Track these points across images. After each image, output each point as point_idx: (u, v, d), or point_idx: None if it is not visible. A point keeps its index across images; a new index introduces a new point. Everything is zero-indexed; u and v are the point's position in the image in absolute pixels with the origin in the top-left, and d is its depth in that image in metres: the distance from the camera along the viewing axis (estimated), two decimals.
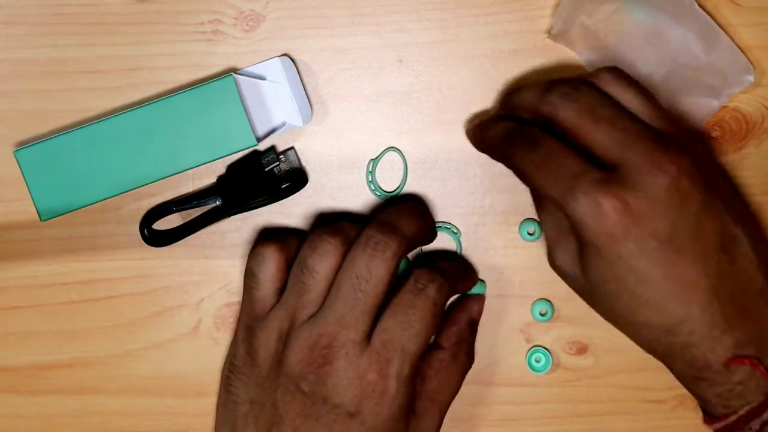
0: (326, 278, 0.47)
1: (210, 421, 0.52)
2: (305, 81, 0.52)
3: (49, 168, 0.50)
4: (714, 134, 0.52)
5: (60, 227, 0.52)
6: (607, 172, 0.43)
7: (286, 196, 0.52)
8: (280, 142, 0.52)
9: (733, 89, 0.50)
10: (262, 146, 0.52)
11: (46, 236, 0.53)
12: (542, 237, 0.52)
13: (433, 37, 0.52)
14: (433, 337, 0.49)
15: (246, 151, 0.51)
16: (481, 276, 0.53)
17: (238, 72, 0.51)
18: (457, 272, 0.50)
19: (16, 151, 0.50)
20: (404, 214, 0.48)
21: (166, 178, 0.50)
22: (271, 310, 0.48)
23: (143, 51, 0.52)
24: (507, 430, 0.53)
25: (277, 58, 0.51)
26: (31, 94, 0.52)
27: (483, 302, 0.53)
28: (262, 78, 0.51)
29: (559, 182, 0.44)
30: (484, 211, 0.53)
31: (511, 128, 0.47)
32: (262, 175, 0.51)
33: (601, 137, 0.44)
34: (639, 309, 0.45)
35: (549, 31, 0.51)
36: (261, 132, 0.50)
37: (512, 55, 0.52)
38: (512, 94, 0.49)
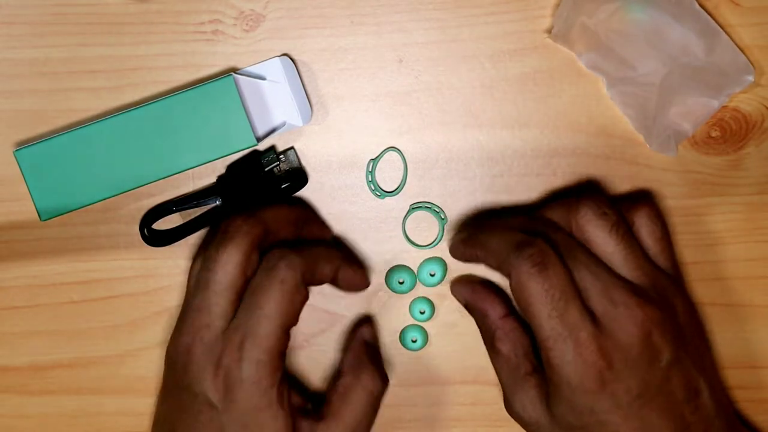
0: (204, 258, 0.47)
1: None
2: (305, 81, 0.52)
3: (49, 168, 0.50)
4: (714, 134, 0.52)
5: (60, 227, 0.52)
6: (596, 324, 0.44)
7: (286, 196, 0.52)
8: (280, 142, 0.52)
9: (733, 89, 0.50)
10: (262, 146, 0.52)
11: (46, 236, 0.53)
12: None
13: (433, 37, 0.52)
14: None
15: (246, 151, 0.51)
16: (481, 276, 0.53)
17: (238, 72, 0.51)
18: (318, 252, 0.48)
19: (16, 151, 0.50)
20: (271, 206, 0.48)
21: (166, 178, 0.50)
22: None
23: (143, 51, 0.52)
24: (507, 430, 0.53)
25: (277, 58, 0.51)
26: (31, 94, 0.52)
27: (372, 324, 0.53)
28: (262, 78, 0.51)
29: (558, 325, 0.44)
30: (484, 211, 0.53)
31: (523, 238, 0.46)
32: (262, 175, 0.51)
33: (583, 284, 0.45)
34: None
35: (549, 31, 0.51)
36: (261, 132, 0.50)
37: (512, 55, 0.52)
38: (538, 213, 0.49)
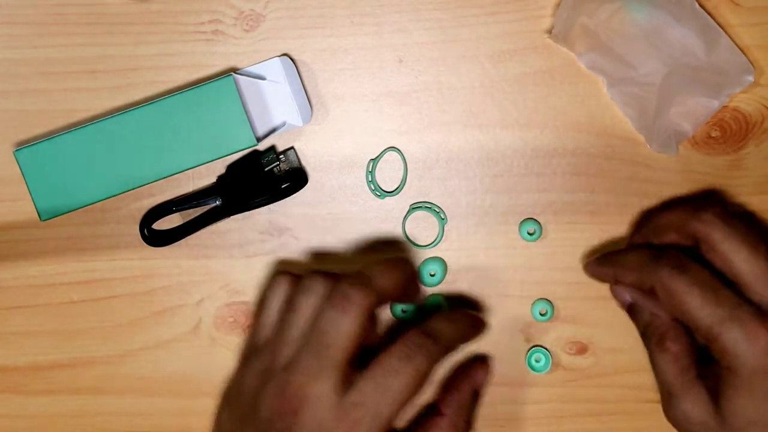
0: (307, 318, 0.45)
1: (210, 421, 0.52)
2: (305, 81, 0.52)
3: (49, 168, 0.50)
4: (714, 134, 0.52)
5: (60, 227, 0.52)
6: (759, 308, 0.44)
7: (286, 196, 0.52)
8: (280, 142, 0.52)
9: (733, 89, 0.50)
10: (262, 146, 0.52)
11: (46, 236, 0.53)
12: (541, 237, 0.52)
13: (433, 37, 0.52)
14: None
15: (246, 151, 0.51)
16: (481, 276, 0.53)
17: (238, 72, 0.51)
18: (453, 336, 0.47)
19: (16, 151, 0.50)
20: (380, 268, 0.46)
21: (166, 178, 0.50)
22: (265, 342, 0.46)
23: (143, 51, 0.52)
24: (507, 430, 0.53)
25: (277, 58, 0.51)
26: (31, 94, 0.52)
27: (489, 370, 0.51)
28: (262, 78, 0.51)
29: (715, 309, 0.44)
30: (484, 211, 0.53)
31: (655, 252, 0.47)
32: (262, 175, 0.51)
33: (755, 268, 0.44)
34: None
35: (549, 32, 0.51)
36: (261, 132, 0.50)
37: (512, 55, 0.52)
38: (654, 216, 0.50)
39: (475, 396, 0.51)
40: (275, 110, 0.51)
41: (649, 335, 0.49)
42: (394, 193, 0.53)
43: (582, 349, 0.53)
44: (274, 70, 0.51)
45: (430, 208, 0.53)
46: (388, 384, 0.43)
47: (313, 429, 0.43)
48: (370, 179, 0.53)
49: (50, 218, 0.50)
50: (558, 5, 0.51)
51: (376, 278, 0.46)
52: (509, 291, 0.53)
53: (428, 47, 0.52)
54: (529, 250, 0.53)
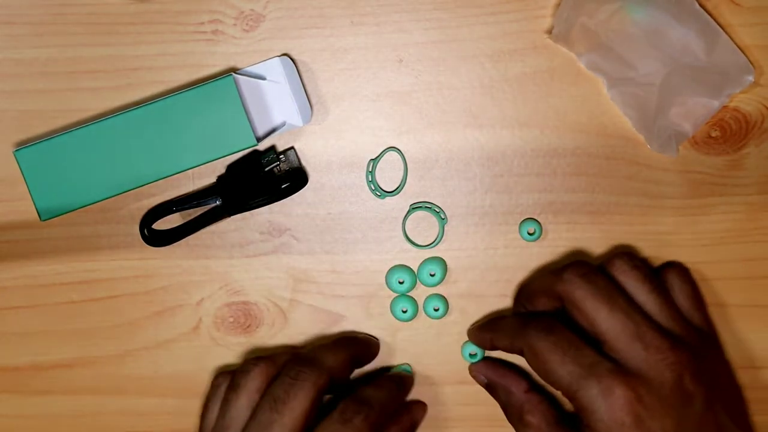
0: (249, 398, 0.47)
1: None
2: (305, 81, 0.52)
3: (49, 168, 0.50)
4: (714, 134, 0.52)
5: (60, 227, 0.52)
6: (617, 364, 0.45)
7: (286, 196, 0.52)
8: (280, 142, 0.52)
9: (733, 89, 0.50)
10: (262, 146, 0.52)
11: (46, 236, 0.53)
12: (541, 237, 0.52)
13: (433, 37, 0.52)
14: None
15: (246, 151, 0.51)
16: (481, 276, 0.53)
17: (238, 72, 0.51)
18: (385, 400, 0.49)
19: (16, 151, 0.50)
20: (328, 348, 0.49)
21: (166, 179, 0.50)
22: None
23: (143, 51, 0.52)
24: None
25: (277, 58, 0.51)
26: (31, 94, 0.52)
27: (425, 410, 0.53)
28: (262, 78, 0.51)
29: (574, 368, 0.45)
30: (484, 211, 0.53)
31: (526, 318, 0.49)
32: (262, 175, 0.51)
33: (612, 324, 0.46)
34: None
35: (550, 32, 0.51)
36: (261, 132, 0.50)
37: (512, 55, 0.52)
38: (526, 284, 0.52)
39: (413, 430, 0.53)
40: (275, 110, 0.51)
41: (509, 413, 0.51)
42: (394, 193, 0.53)
43: None
44: (274, 70, 0.51)
45: (430, 208, 0.53)
46: None
47: None
48: (370, 179, 0.53)
49: (50, 218, 0.50)
50: (558, 5, 0.51)
51: (323, 359, 0.48)
52: (509, 291, 0.53)
53: (428, 47, 0.52)
54: (529, 250, 0.53)
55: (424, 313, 0.53)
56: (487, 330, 0.51)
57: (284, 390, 0.46)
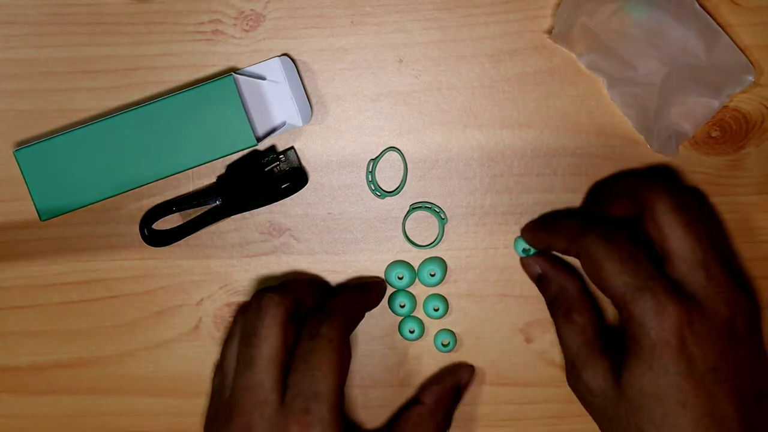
0: (236, 347, 0.47)
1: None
2: (305, 81, 0.52)
3: (49, 168, 0.50)
4: (714, 134, 0.52)
5: (60, 227, 0.52)
6: (677, 287, 0.45)
7: (286, 196, 0.52)
8: (280, 142, 0.52)
9: (733, 89, 0.50)
10: (262, 146, 0.52)
11: (46, 236, 0.53)
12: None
13: (433, 37, 0.52)
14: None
15: (246, 151, 0.51)
16: (481, 275, 0.53)
17: (238, 72, 0.51)
18: (345, 302, 0.50)
19: (16, 151, 0.50)
20: (295, 277, 0.50)
21: (166, 178, 0.50)
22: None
23: (143, 51, 0.52)
24: (507, 430, 0.53)
25: (277, 58, 0.51)
26: (31, 94, 0.52)
27: (473, 373, 0.53)
28: (262, 78, 0.51)
29: (631, 279, 0.45)
30: (484, 211, 0.53)
31: (589, 221, 0.48)
32: (262, 175, 0.51)
33: (684, 246, 0.45)
34: None
35: (550, 32, 0.51)
36: (261, 132, 0.50)
37: (512, 55, 0.52)
38: (608, 182, 0.51)
39: (457, 392, 0.52)
40: (275, 110, 0.51)
41: (556, 306, 0.50)
42: (394, 193, 0.53)
43: None
44: (274, 70, 0.51)
45: (430, 208, 0.53)
46: (311, 365, 0.45)
47: (267, 430, 0.45)
48: (370, 179, 0.53)
49: (50, 218, 0.50)
50: (558, 5, 0.51)
51: (289, 283, 0.48)
52: (509, 291, 0.53)
53: (428, 47, 0.52)
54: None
55: (423, 311, 0.53)
56: (545, 230, 0.50)
57: (252, 323, 0.46)
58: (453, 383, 0.52)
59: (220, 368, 0.49)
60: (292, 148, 0.52)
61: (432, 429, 0.50)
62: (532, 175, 0.52)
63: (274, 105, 0.51)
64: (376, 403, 0.54)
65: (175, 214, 0.52)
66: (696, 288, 0.45)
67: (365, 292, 0.52)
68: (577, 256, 0.47)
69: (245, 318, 0.47)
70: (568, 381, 0.49)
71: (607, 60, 0.51)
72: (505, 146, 0.52)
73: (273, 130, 0.51)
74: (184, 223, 0.52)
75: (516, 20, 0.52)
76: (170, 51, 0.52)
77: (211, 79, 0.50)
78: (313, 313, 0.48)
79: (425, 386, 0.52)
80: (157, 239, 0.52)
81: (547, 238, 0.50)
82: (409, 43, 0.52)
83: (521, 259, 0.52)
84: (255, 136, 0.49)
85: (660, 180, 0.47)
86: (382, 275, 0.53)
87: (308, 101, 0.52)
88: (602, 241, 0.46)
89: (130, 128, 0.49)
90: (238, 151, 0.50)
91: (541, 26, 0.52)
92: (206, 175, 0.52)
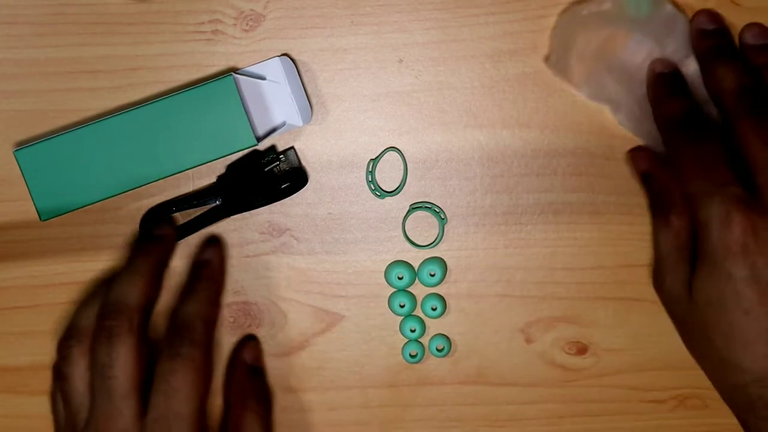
0: (83, 378, 0.47)
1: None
2: (305, 81, 0.52)
3: (49, 168, 0.50)
4: None
5: (60, 227, 0.52)
6: (750, 194, 0.44)
7: (287, 196, 0.52)
8: (280, 142, 0.52)
9: None
10: (262, 146, 0.52)
11: (46, 236, 0.53)
12: (543, 237, 0.52)
13: (433, 37, 0.52)
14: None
15: (246, 151, 0.51)
16: (481, 275, 0.53)
17: (238, 72, 0.51)
18: (204, 310, 0.49)
19: (16, 151, 0.49)
20: (125, 281, 0.48)
21: (166, 178, 0.50)
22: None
23: (143, 51, 0.52)
24: (507, 430, 0.53)
25: (277, 57, 0.51)
26: (31, 94, 0.52)
27: (258, 346, 0.53)
28: (262, 78, 0.51)
29: (705, 182, 0.45)
30: (484, 211, 0.53)
31: (690, 115, 0.47)
32: (263, 175, 0.51)
33: (764, 157, 0.44)
34: (734, 345, 0.44)
35: (547, 59, 0.51)
36: (261, 132, 0.50)
37: (512, 55, 0.52)
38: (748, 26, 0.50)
39: (255, 371, 0.52)
40: (275, 110, 0.51)
41: (656, 206, 0.50)
42: (394, 193, 0.53)
43: (582, 350, 0.53)
44: (274, 69, 0.51)
45: (430, 208, 0.53)
46: (172, 387, 0.45)
47: None
48: (370, 179, 0.53)
49: (50, 218, 0.50)
50: (553, 29, 0.51)
51: (126, 298, 0.47)
52: (509, 291, 0.53)
53: (428, 47, 0.52)
54: (529, 250, 0.53)
55: (422, 313, 0.53)
56: (660, 93, 0.49)
57: (106, 353, 0.46)
58: (244, 369, 0.52)
59: (65, 398, 0.48)
60: (292, 148, 0.52)
61: (256, 421, 0.50)
62: (532, 175, 0.52)
63: (274, 105, 0.51)
64: (375, 403, 0.54)
65: (176, 214, 0.52)
66: None
67: (207, 280, 0.51)
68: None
69: (97, 348, 0.46)
70: (653, 281, 0.49)
71: (607, 86, 0.51)
72: (505, 146, 0.52)
73: (273, 130, 0.51)
74: (185, 223, 0.52)
75: (516, 20, 0.52)
76: (170, 51, 0.52)
77: (211, 79, 0.50)
78: (167, 331, 0.47)
79: (225, 386, 0.52)
80: None
81: (658, 112, 0.49)
82: (409, 43, 0.52)
83: (630, 151, 0.51)
84: (255, 136, 0.49)
85: (744, 95, 0.46)
86: (382, 275, 0.53)
87: (308, 101, 0.52)
88: (691, 143, 0.46)
89: (130, 128, 0.49)
90: (238, 151, 0.50)
91: (541, 26, 0.52)
92: (206, 175, 0.52)
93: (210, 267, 0.52)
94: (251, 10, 0.52)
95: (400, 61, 0.52)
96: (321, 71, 0.52)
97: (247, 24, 0.52)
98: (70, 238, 0.53)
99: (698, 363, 0.47)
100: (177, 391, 0.45)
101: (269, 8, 0.52)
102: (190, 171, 0.52)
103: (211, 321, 0.49)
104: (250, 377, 0.52)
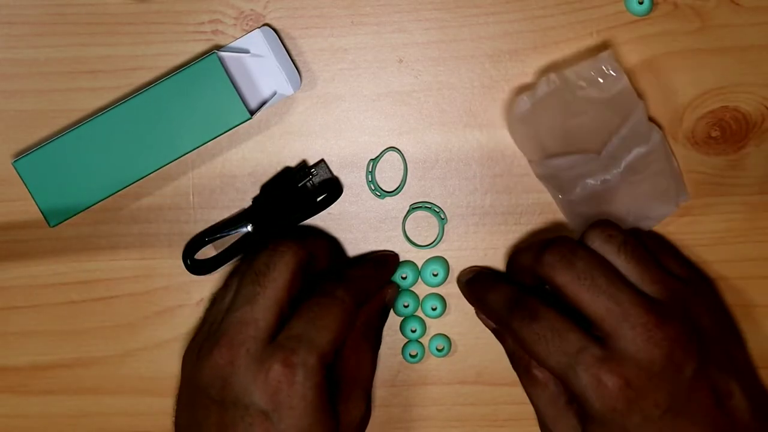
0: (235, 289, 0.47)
1: None
2: (305, 81, 0.52)
3: (49, 173, 0.50)
4: (714, 134, 0.52)
5: (60, 227, 0.52)
6: (605, 347, 0.44)
7: (324, 209, 0.52)
8: (305, 154, 0.52)
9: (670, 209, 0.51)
10: (271, 138, 0.52)
11: (46, 236, 0.53)
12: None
13: (433, 37, 0.52)
14: None
15: (277, 171, 0.52)
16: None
17: (221, 49, 0.50)
18: (363, 277, 0.50)
19: (14, 161, 0.49)
20: (312, 234, 0.50)
21: (166, 180, 0.50)
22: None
23: (143, 51, 0.52)
24: (507, 430, 0.53)
25: (258, 29, 0.51)
26: (31, 94, 0.52)
27: (396, 289, 0.53)
28: (246, 51, 0.51)
29: (561, 357, 0.45)
30: (484, 211, 0.53)
31: (512, 296, 0.48)
32: (297, 191, 0.51)
33: (596, 308, 0.45)
34: None
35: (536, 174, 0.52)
36: (253, 105, 0.50)
37: (512, 55, 0.52)
38: (511, 258, 0.51)
39: (384, 312, 0.52)
40: (264, 82, 0.51)
41: (516, 362, 0.50)
42: (394, 193, 0.53)
43: None
44: (257, 42, 0.51)
45: (430, 208, 0.53)
46: (314, 315, 0.46)
47: (252, 370, 0.44)
48: (370, 179, 0.53)
49: (59, 223, 0.50)
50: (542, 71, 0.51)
51: (305, 240, 0.48)
52: None
53: (428, 47, 0.52)
54: None
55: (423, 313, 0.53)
56: (475, 297, 0.51)
57: (264, 263, 0.46)
58: (379, 305, 0.52)
59: (219, 299, 0.49)
60: (322, 160, 0.52)
61: (367, 350, 0.50)
62: (532, 175, 0.52)
63: (262, 77, 0.51)
64: (375, 402, 0.54)
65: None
66: (625, 342, 0.44)
67: (380, 265, 0.52)
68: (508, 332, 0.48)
69: (257, 256, 0.47)
70: None
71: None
72: (505, 146, 0.52)
73: (264, 102, 0.50)
74: (222, 251, 0.52)
75: (516, 20, 0.52)
76: (170, 51, 0.52)
77: (195, 60, 0.50)
78: (327, 277, 0.48)
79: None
80: (199, 268, 0.52)
81: (479, 307, 0.51)
82: (409, 43, 0.52)
83: (477, 314, 0.52)
84: (248, 110, 0.49)
85: (547, 251, 0.46)
86: None
87: (296, 68, 0.51)
88: (527, 323, 0.46)
89: (123, 122, 0.49)
90: (234, 127, 0.50)
91: (541, 26, 0.52)
92: (238, 203, 0.52)
93: (387, 263, 0.53)
94: (251, 10, 0.52)
95: (400, 61, 0.52)
96: (321, 71, 0.52)
97: (247, 24, 0.52)
98: (70, 238, 0.53)
99: None
100: (318, 320, 0.46)
101: (269, 8, 0.52)
102: (223, 198, 0.52)
103: (365, 289, 0.49)
104: (378, 315, 0.52)
